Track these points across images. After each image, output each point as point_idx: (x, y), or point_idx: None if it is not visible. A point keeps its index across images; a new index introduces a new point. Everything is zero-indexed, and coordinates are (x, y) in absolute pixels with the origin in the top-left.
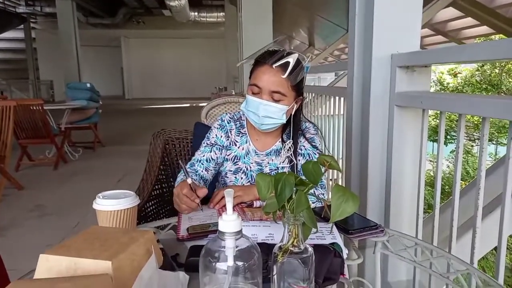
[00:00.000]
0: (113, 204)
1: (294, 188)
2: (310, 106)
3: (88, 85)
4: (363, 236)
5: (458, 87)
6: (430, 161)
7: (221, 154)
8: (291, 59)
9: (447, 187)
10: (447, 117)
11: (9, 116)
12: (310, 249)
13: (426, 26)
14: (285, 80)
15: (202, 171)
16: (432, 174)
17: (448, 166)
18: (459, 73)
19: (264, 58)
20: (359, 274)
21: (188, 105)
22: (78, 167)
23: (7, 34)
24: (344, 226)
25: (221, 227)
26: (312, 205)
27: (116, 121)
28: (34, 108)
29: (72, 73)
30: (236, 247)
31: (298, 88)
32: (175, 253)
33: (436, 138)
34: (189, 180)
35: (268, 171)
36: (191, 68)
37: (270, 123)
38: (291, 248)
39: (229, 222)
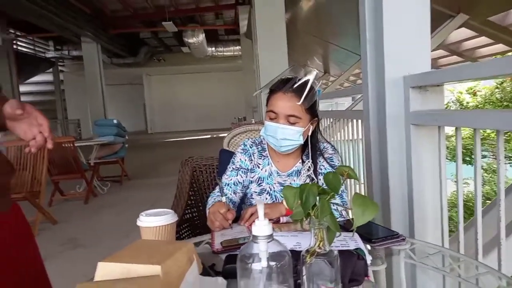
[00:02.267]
0: (156, 221)
1: (318, 197)
2: (329, 131)
3: (115, 121)
4: (385, 245)
5: (479, 106)
6: (455, 181)
7: (246, 177)
8: (303, 85)
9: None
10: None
11: (43, 153)
12: (335, 251)
13: (441, 47)
14: (298, 104)
15: (230, 194)
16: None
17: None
18: (478, 91)
19: (278, 87)
20: (387, 285)
21: (209, 136)
22: (107, 200)
23: (38, 78)
24: (367, 236)
25: (254, 232)
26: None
27: (140, 155)
28: (66, 145)
29: (98, 111)
30: (269, 250)
31: (312, 110)
32: (212, 263)
33: (464, 158)
34: (223, 199)
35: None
36: (211, 101)
37: (288, 145)
38: (318, 250)
39: (261, 226)
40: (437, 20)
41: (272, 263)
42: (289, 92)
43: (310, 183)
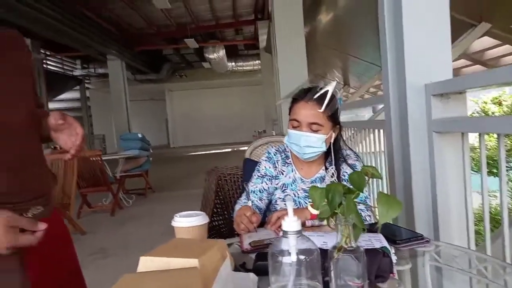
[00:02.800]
0: (190, 221)
1: (343, 196)
2: (350, 142)
3: (139, 135)
4: (410, 246)
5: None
6: (480, 193)
7: (271, 184)
8: (324, 93)
9: None
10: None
11: (73, 168)
12: (362, 247)
13: (463, 57)
14: (320, 112)
15: (256, 200)
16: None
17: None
18: (504, 101)
19: (299, 96)
20: (412, 286)
21: (229, 149)
22: (132, 212)
23: (65, 95)
24: (391, 237)
25: (284, 227)
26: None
27: (163, 168)
28: (93, 159)
29: (122, 126)
30: (298, 245)
31: (334, 118)
32: (242, 262)
33: (491, 169)
34: (249, 203)
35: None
36: (231, 114)
37: (311, 152)
38: (345, 246)
39: (291, 222)
40: (459, 29)
41: (302, 257)
42: (311, 101)
43: None
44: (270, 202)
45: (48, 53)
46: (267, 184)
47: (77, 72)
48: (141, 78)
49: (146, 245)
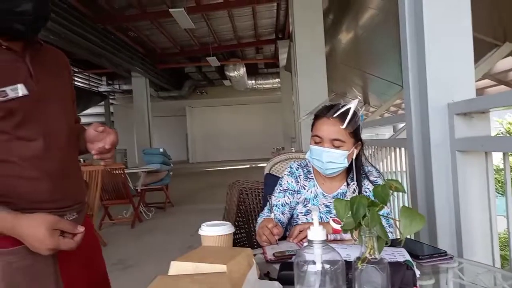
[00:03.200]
0: (217, 230)
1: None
2: (371, 161)
3: (161, 150)
4: (433, 262)
5: None
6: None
7: (293, 198)
8: (347, 110)
9: None
10: None
11: (97, 179)
12: (385, 259)
13: (487, 77)
14: (342, 128)
15: (278, 214)
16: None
17: None
18: None
19: (322, 112)
20: None
21: (247, 166)
22: (152, 225)
23: (90, 110)
24: (414, 253)
25: (310, 236)
26: None
27: (182, 183)
28: (116, 172)
29: (144, 140)
30: (323, 255)
31: (356, 134)
32: (267, 271)
33: None
34: (272, 215)
35: (334, 214)
36: (249, 131)
37: (333, 168)
38: (368, 257)
39: (316, 232)
40: (482, 49)
41: (327, 266)
42: (333, 117)
43: None
44: (291, 216)
45: (76, 70)
46: (289, 198)
47: (102, 88)
48: (163, 95)
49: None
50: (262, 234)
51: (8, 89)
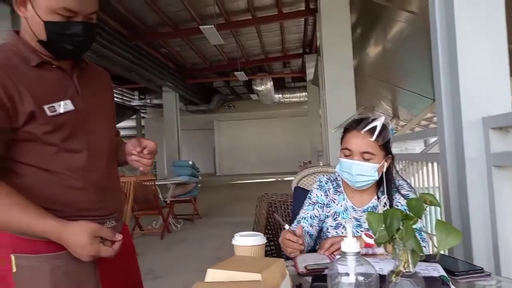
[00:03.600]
0: (251, 241)
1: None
2: (402, 175)
3: (190, 162)
4: (469, 279)
5: None
6: None
7: (322, 211)
8: (376, 123)
9: None
10: None
11: (129, 191)
12: (420, 273)
13: None
14: (373, 141)
15: (307, 227)
16: None
17: None
18: None
19: (352, 126)
20: None
21: (274, 179)
22: (180, 237)
23: (123, 124)
24: (449, 269)
25: (343, 248)
26: None
27: (209, 196)
28: (147, 183)
29: (173, 153)
30: (356, 267)
31: (386, 148)
32: (299, 283)
33: None
34: (286, 227)
35: (367, 227)
36: (276, 145)
37: (363, 180)
38: (403, 270)
39: (350, 244)
40: None
41: (360, 279)
42: (363, 130)
43: None
44: (321, 229)
45: None
46: (318, 211)
47: (134, 102)
48: (192, 109)
49: (192, 269)
50: (286, 247)
51: (57, 105)
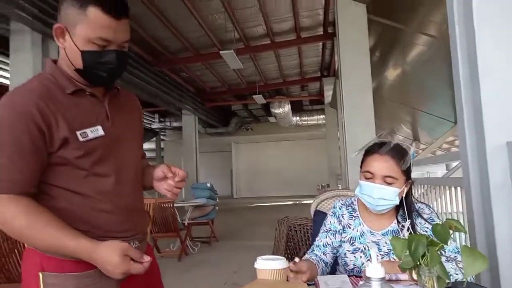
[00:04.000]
0: (273, 264)
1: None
2: (423, 200)
3: (208, 184)
4: None
5: None
6: None
7: (335, 238)
8: (399, 148)
9: None
10: None
11: (149, 212)
12: None
13: None
14: (396, 165)
15: (321, 255)
16: None
17: None
18: None
19: (373, 148)
20: None
21: (291, 202)
22: (197, 259)
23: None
24: None
25: (368, 273)
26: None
27: (227, 218)
28: (166, 205)
29: (191, 176)
30: None
31: (407, 172)
32: None
33: None
34: (296, 259)
35: (387, 251)
36: (294, 168)
37: (384, 204)
38: None
39: (375, 269)
40: None
41: None
42: (386, 154)
43: None
44: (335, 255)
45: None
46: (330, 238)
47: (155, 125)
48: (211, 131)
49: None
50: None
51: (88, 131)
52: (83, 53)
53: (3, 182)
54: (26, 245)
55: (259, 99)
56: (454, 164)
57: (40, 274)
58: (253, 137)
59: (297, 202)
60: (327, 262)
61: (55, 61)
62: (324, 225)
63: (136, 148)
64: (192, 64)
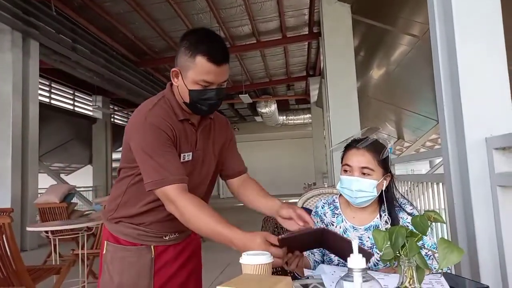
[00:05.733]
0: (259, 259)
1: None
2: (408, 197)
3: None
4: None
5: None
6: None
7: None
8: (375, 141)
9: None
10: None
11: None
12: None
13: None
14: (372, 158)
15: (308, 254)
16: None
17: None
18: None
19: (352, 143)
20: None
21: None
22: None
23: None
24: (455, 287)
25: (350, 265)
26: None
27: None
28: None
29: None
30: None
31: (385, 164)
32: None
33: None
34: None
35: (370, 245)
36: (280, 167)
37: (362, 196)
38: (408, 287)
39: (356, 260)
40: None
41: None
42: (362, 147)
43: None
44: (322, 253)
45: (116, 108)
46: None
47: None
48: None
49: None
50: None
51: (186, 155)
52: (190, 91)
53: (171, 176)
54: (104, 225)
55: (245, 98)
56: (438, 160)
57: (105, 242)
58: (239, 137)
59: (284, 201)
60: (316, 260)
61: (171, 85)
62: None
63: (212, 166)
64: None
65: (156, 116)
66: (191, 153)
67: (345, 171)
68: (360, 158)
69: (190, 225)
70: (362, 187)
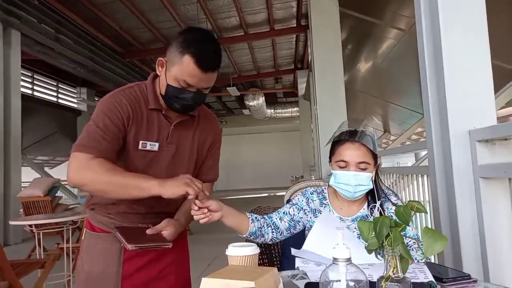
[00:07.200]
0: (244, 251)
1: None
2: (393, 188)
3: None
4: (457, 285)
5: None
6: None
7: (298, 213)
8: (367, 133)
9: None
10: None
11: None
12: (408, 278)
13: (511, 104)
14: (367, 151)
15: (276, 219)
16: None
17: None
18: None
19: (344, 137)
20: None
21: (266, 194)
22: None
23: None
24: (438, 276)
25: (335, 255)
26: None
27: None
28: None
29: None
30: (347, 273)
31: (376, 156)
32: None
33: None
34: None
35: (357, 236)
36: (268, 160)
37: (361, 190)
38: (392, 276)
39: (341, 250)
40: (506, 77)
41: (351, 284)
42: (356, 141)
43: None
44: (293, 230)
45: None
46: (293, 211)
47: None
48: None
49: None
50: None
51: (148, 143)
52: (167, 86)
53: (90, 145)
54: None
55: (233, 91)
56: (423, 153)
57: (85, 230)
58: (227, 130)
59: (272, 194)
60: (278, 227)
61: (156, 76)
62: (291, 200)
63: (190, 164)
64: (164, 55)
65: (120, 96)
66: (157, 144)
67: (341, 167)
68: (356, 152)
69: (102, 180)
70: (361, 181)
